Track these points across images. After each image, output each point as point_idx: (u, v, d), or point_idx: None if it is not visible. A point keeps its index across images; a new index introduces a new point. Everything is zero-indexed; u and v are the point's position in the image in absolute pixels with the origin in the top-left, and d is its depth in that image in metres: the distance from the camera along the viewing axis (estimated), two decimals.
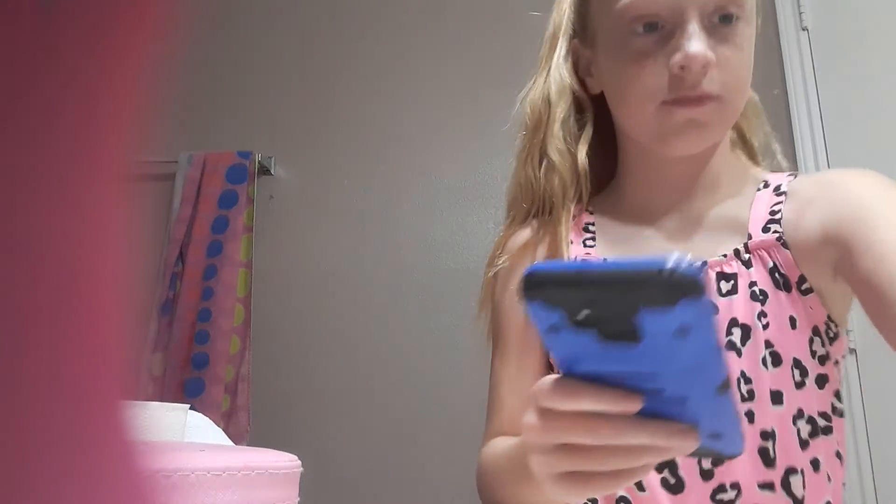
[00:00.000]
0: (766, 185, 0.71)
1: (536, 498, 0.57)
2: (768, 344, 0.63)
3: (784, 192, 0.68)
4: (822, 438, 0.62)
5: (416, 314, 1.87)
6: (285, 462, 0.44)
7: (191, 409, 0.59)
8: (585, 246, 0.74)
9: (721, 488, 0.61)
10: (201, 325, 1.80)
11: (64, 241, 0.14)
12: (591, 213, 0.78)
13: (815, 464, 0.62)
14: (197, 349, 1.79)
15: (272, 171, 1.96)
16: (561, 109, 0.77)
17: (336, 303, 1.89)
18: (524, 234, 0.78)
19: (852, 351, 1.57)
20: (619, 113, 0.72)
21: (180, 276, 1.86)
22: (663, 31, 0.64)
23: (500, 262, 0.78)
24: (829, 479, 0.62)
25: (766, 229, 0.66)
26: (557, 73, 0.78)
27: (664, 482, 0.63)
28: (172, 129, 1.85)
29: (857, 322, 1.57)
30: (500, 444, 0.70)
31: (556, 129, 0.76)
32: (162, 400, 0.55)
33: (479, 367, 1.84)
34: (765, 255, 0.65)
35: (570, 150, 0.76)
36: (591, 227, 0.76)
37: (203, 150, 1.95)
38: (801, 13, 1.61)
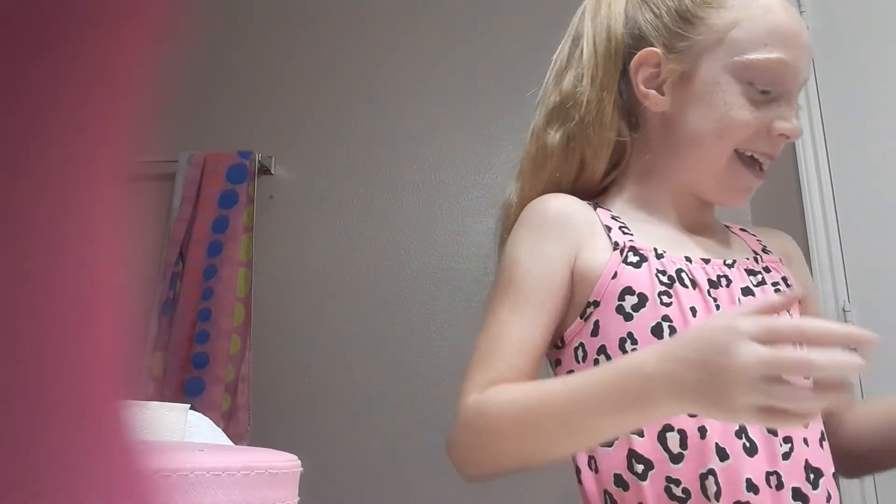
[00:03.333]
0: (728, 227, 0.84)
1: (598, 436, 0.62)
2: None
3: (754, 235, 0.84)
4: None
5: (415, 314, 1.86)
6: (285, 462, 0.44)
7: (191, 409, 0.59)
8: (625, 233, 0.74)
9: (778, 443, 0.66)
10: (201, 324, 1.80)
11: (64, 241, 0.14)
12: (607, 209, 0.78)
13: (824, 434, 0.71)
14: (197, 349, 1.79)
15: (272, 171, 1.96)
16: (613, 117, 0.77)
17: (336, 303, 1.89)
18: (566, 199, 0.77)
19: (853, 351, 1.56)
20: (691, 143, 0.74)
21: (180, 276, 1.86)
22: (771, 95, 0.71)
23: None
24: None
25: (766, 251, 0.80)
26: (615, 82, 0.77)
27: (743, 447, 0.65)
28: (172, 129, 1.85)
29: (857, 322, 1.58)
30: (536, 388, 0.65)
31: (603, 132, 0.77)
32: (162, 400, 0.55)
33: None
34: (777, 266, 0.77)
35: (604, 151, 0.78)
36: (618, 218, 0.76)
37: (203, 150, 1.95)
38: (800, 13, 1.61)
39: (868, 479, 1.34)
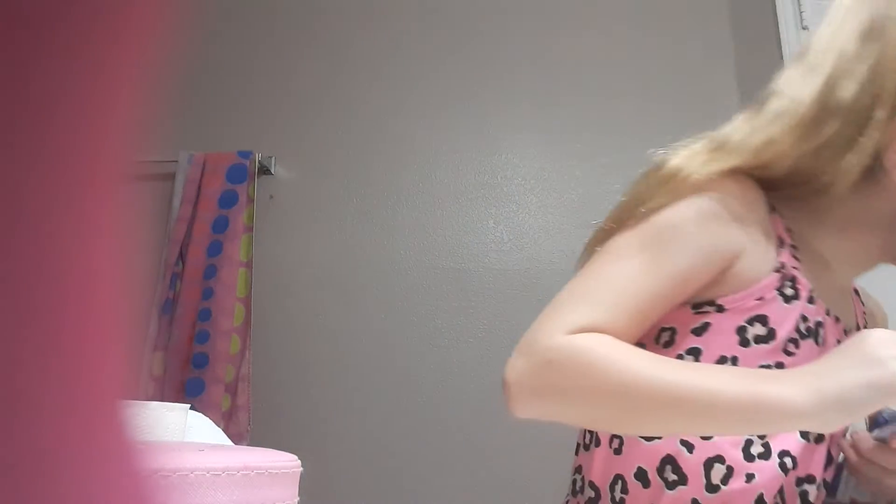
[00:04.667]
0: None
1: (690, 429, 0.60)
2: None
3: (863, 303, 0.78)
4: None
5: (415, 314, 1.87)
6: (285, 462, 0.44)
7: (191, 409, 0.59)
8: (794, 258, 0.67)
9: (799, 480, 0.64)
10: (201, 324, 1.80)
11: (64, 241, 0.14)
12: (780, 216, 0.69)
13: None
14: (197, 349, 1.79)
15: (272, 171, 1.96)
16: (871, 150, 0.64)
17: (336, 302, 1.89)
18: (754, 191, 0.66)
19: None
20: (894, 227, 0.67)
21: (180, 276, 1.86)
22: None
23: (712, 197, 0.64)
24: None
25: (865, 315, 0.77)
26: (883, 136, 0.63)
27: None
28: (172, 129, 1.86)
29: None
30: (653, 358, 0.59)
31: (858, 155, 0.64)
32: (162, 400, 0.55)
33: (478, 367, 1.84)
34: None
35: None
36: (791, 234, 0.68)
37: (203, 150, 1.95)
38: (801, 13, 1.61)
39: None
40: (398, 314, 1.87)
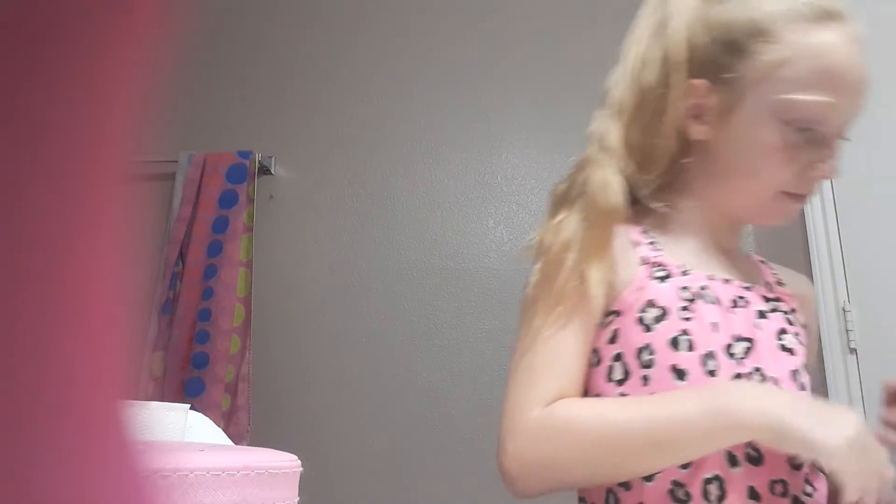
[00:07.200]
0: (748, 256, 0.86)
1: (686, 455, 0.65)
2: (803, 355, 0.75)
3: (772, 269, 0.85)
4: None
5: (415, 314, 1.87)
6: (285, 462, 0.44)
7: (191, 409, 0.59)
8: (653, 249, 0.75)
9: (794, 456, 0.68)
10: (201, 324, 1.80)
11: (64, 241, 0.14)
12: (637, 224, 0.78)
13: None
14: (197, 349, 1.79)
15: (272, 171, 1.97)
16: (673, 127, 0.76)
17: (336, 302, 1.89)
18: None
19: (853, 351, 1.56)
20: (728, 176, 0.76)
21: (180, 276, 1.86)
22: (811, 134, 0.71)
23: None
24: None
25: (780, 284, 0.82)
26: (674, 108, 0.75)
27: (747, 455, 0.67)
28: (172, 129, 1.85)
29: (857, 322, 1.58)
30: (624, 406, 0.67)
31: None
32: (162, 400, 0.55)
33: (478, 367, 1.84)
34: (787, 299, 0.79)
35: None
36: (648, 233, 0.77)
37: (203, 150, 1.95)
38: None
39: None
40: (398, 314, 1.87)
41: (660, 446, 0.63)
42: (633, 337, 0.70)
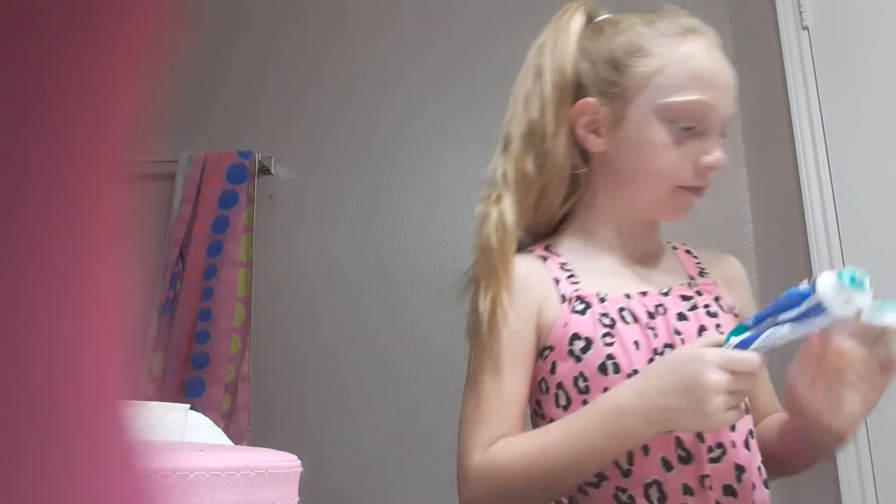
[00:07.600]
0: (675, 248, 0.93)
1: (599, 462, 0.74)
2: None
3: (696, 258, 0.92)
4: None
5: (416, 314, 1.87)
6: (285, 462, 0.44)
7: (191, 409, 0.59)
8: (573, 283, 0.83)
9: (710, 449, 0.75)
10: (201, 324, 1.80)
11: (64, 241, 0.14)
12: (548, 249, 0.88)
13: (752, 433, 0.80)
14: (197, 349, 1.79)
15: (272, 171, 1.96)
16: (567, 151, 0.86)
17: (336, 303, 1.89)
18: (522, 265, 0.85)
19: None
20: (628, 180, 0.84)
21: (180, 276, 1.86)
22: (694, 131, 0.80)
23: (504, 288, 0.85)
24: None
25: (702, 273, 0.89)
26: (564, 128, 0.86)
27: (679, 457, 0.75)
28: (172, 129, 1.85)
29: None
30: (537, 439, 0.76)
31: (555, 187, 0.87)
32: (162, 400, 0.55)
33: None
34: (709, 289, 0.86)
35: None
36: (566, 266, 0.85)
37: (203, 150, 1.95)
38: (801, 13, 1.61)
39: (868, 479, 1.34)
40: (398, 314, 1.87)
41: (571, 467, 0.73)
42: (568, 368, 0.79)
